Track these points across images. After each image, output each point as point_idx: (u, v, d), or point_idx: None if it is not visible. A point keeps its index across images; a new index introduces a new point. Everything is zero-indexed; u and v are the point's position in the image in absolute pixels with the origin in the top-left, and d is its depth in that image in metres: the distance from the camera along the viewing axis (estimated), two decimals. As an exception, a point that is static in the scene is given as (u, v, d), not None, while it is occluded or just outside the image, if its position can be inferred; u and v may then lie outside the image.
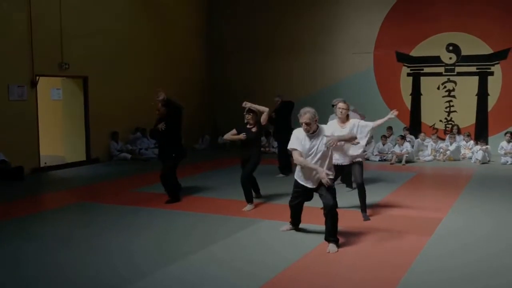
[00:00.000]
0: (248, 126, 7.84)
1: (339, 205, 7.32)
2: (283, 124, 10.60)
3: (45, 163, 11.99)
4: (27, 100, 11.47)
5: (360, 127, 7.09)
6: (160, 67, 15.20)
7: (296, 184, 6.06)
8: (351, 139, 6.22)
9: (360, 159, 7.16)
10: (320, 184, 5.77)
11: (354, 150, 7.07)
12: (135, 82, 14.19)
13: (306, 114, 5.66)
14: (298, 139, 5.79)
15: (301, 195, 6.08)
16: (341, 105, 7.17)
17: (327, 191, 5.71)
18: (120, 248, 5.90)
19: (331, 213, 5.68)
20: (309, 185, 5.87)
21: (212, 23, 17.28)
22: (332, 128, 6.96)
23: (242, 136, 7.73)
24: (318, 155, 5.74)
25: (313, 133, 5.75)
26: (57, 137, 13.83)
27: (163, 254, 5.65)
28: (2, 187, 9.82)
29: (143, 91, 14.07)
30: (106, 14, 13.41)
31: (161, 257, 5.52)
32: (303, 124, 5.70)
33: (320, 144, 5.72)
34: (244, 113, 7.88)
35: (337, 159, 7.09)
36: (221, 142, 16.23)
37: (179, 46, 16.05)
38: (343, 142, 6.25)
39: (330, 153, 5.80)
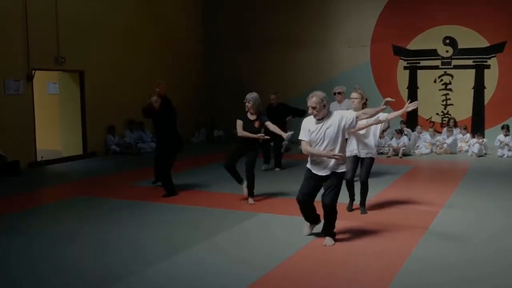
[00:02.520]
0: (250, 118, 7.61)
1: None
2: (278, 124, 10.41)
3: (42, 157, 11.96)
4: (23, 94, 11.43)
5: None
6: (157, 61, 15.16)
7: (307, 173, 5.73)
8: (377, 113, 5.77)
9: (372, 155, 6.91)
10: (330, 175, 5.56)
11: (369, 142, 6.83)
12: (132, 76, 14.15)
13: (312, 98, 5.49)
14: (304, 129, 5.63)
15: (311, 184, 5.67)
16: (353, 95, 6.85)
17: (331, 189, 5.53)
18: (124, 240, 5.94)
19: (327, 211, 5.62)
20: (320, 172, 5.60)
21: (209, 18, 17.21)
22: None
23: (262, 136, 7.48)
24: (326, 141, 5.50)
25: (321, 118, 5.54)
26: (54, 131, 13.81)
27: (168, 245, 5.70)
28: (-1, 182, 9.82)
29: (140, 85, 14.06)
30: (103, 9, 13.35)
31: (166, 248, 5.57)
32: (310, 107, 5.55)
33: (329, 129, 5.49)
34: (244, 101, 7.67)
35: (353, 150, 6.86)
36: (217, 136, 16.34)
37: (176, 40, 16.00)
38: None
39: (341, 140, 5.52)
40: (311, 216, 5.92)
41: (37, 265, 5.14)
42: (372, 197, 7.93)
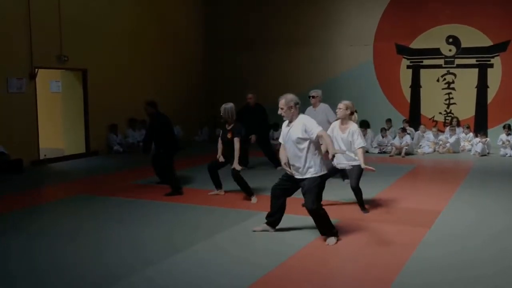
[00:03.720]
0: (226, 128, 8.00)
1: (337, 198, 7.39)
2: (254, 125, 10.14)
3: (45, 155, 11.98)
4: (26, 92, 11.45)
5: (353, 135, 6.68)
6: (159, 60, 15.16)
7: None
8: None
9: (358, 163, 6.76)
10: (303, 180, 5.60)
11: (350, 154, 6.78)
12: (134, 75, 14.15)
13: (281, 99, 5.68)
14: (281, 132, 5.88)
15: (287, 181, 5.84)
16: (339, 105, 6.77)
17: (308, 193, 5.54)
18: (124, 239, 5.94)
19: (312, 215, 5.64)
20: (294, 174, 5.71)
21: (209, 18, 17.19)
22: (332, 129, 6.90)
23: (220, 159, 7.93)
24: (288, 145, 5.64)
25: (290, 122, 5.68)
26: (57, 129, 13.82)
27: (168, 244, 5.71)
28: (1, 180, 9.80)
29: (142, 84, 14.08)
30: (105, 8, 13.35)
31: (166, 248, 5.58)
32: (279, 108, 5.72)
33: (292, 135, 5.58)
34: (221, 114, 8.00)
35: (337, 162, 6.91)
36: (218, 134, 16.34)
37: (178, 40, 16.00)
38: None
39: (303, 146, 5.52)
40: (272, 216, 6.02)
41: (37, 265, 5.14)
42: (374, 196, 7.92)
